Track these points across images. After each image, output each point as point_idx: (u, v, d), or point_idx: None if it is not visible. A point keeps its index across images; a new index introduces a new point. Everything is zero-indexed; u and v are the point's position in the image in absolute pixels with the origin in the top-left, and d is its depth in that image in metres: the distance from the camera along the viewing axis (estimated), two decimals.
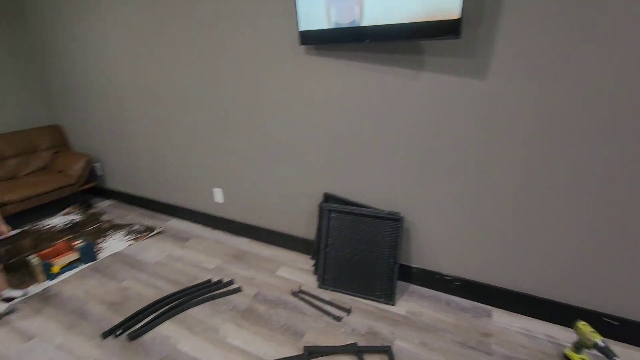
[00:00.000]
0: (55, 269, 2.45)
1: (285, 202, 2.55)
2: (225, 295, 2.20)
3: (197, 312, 2.07)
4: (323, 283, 2.24)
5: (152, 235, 2.98)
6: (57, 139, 3.73)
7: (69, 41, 3.17)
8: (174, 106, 2.79)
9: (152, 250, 2.76)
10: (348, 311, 2.02)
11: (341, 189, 2.28)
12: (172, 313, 2.04)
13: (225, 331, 1.92)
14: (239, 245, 2.78)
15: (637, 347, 1.71)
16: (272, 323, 1.96)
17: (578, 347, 1.61)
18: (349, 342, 1.80)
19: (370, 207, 2.17)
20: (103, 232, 3.08)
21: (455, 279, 2.07)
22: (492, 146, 1.72)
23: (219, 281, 2.33)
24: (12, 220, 3.29)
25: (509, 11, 1.49)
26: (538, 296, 1.87)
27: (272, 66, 2.20)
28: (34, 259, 2.39)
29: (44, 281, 2.40)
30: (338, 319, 1.97)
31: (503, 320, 1.92)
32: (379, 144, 2.02)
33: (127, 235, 3.00)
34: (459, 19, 1.48)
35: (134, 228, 3.12)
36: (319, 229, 2.31)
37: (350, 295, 2.15)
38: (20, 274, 2.49)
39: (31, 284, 2.37)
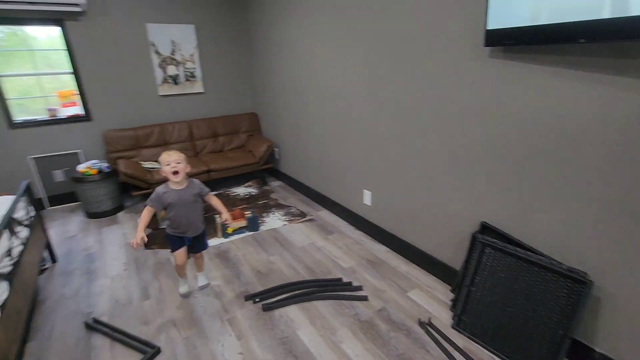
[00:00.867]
0: (230, 230, 3.01)
1: (434, 220, 2.30)
2: (351, 300, 2.17)
3: (322, 306, 2.12)
4: (459, 324, 1.91)
5: (303, 221, 3.27)
6: (253, 124, 4.57)
7: (271, 39, 3.78)
8: (341, 104, 2.93)
9: (300, 234, 3.02)
10: None
11: (504, 222, 1.87)
12: (301, 299, 2.17)
13: (342, 336, 1.89)
14: (377, 252, 2.70)
15: None
16: (389, 347, 1.80)
17: None
18: None
19: (540, 254, 1.69)
20: (268, 208, 3.58)
21: None
22: None
23: (349, 283, 2.33)
24: (213, 184, 4.25)
25: None
26: None
27: (445, 70, 1.98)
28: (217, 218, 3.00)
29: (220, 237, 2.98)
30: None
31: None
32: (574, 179, 1.52)
33: (284, 215, 3.39)
34: None
35: (291, 210, 3.50)
36: (467, 262, 1.98)
37: (491, 352, 1.75)
38: (208, 227, 3.18)
39: (212, 237, 2.99)
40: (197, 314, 2.09)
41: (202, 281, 2.31)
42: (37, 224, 2.43)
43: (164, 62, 3.95)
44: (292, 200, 3.79)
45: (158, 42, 3.84)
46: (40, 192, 3.62)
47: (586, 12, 1.28)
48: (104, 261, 2.70)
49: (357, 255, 2.68)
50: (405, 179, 2.46)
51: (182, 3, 3.87)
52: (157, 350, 1.82)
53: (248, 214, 3.10)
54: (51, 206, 3.71)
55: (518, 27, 1.52)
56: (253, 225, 3.08)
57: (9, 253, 1.78)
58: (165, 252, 2.78)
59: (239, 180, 4.38)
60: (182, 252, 2.08)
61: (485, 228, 1.96)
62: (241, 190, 4.08)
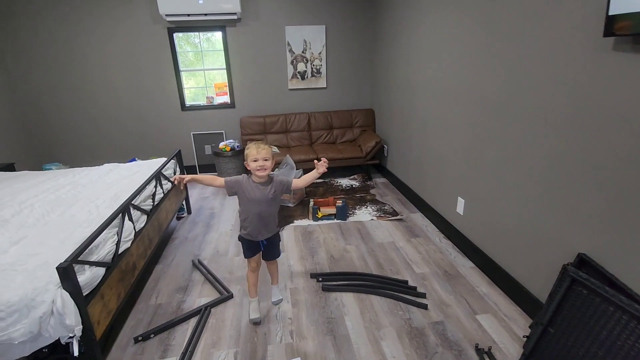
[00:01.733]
0: (319, 214, 3.26)
1: (527, 241, 1.97)
2: (409, 304, 2.09)
3: (377, 302, 2.12)
4: None
5: (391, 219, 3.24)
6: (368, 120, 4.69)
7: (391, 39, 3.79)
8: (443, 102, 2.75)
9: (384, 231, 3.02)
10: None
11: (608, 257, 1.47)
12: (359, 289, 2.22)
13: (386, 334, 1.87)
14: (459, 266, 2.48)
15: None
16: None
17: None
18: None
19: None
20: (363, 202, 3.67)
21: None
22: None
23: (414, 288, 2.23)
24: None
25: None
26: None
27: (552, 67, 1.66)
28: (311, 202, 3.29)
29: (310, 219, 3.26)
30: None
31: None
32: None
33: (376, 211, 3.43)
34: None
35: (384, 207, 3.50)
36: (551, 296, 1.64)
37: None
38: (302, 208, 3.51)
39: (301, 218, 3.29)
40: (268, 278, 2.39)
41: (276, 295, 2.15)
42: None
43: (295, 60, 4.47)
44: (390, 198, 3.77)
45: (292, 42, 4.38)
46: (195, 161, 4.68)
47: None
48: (219, 220, 3.34)
49: (434, 263, 2.52)
50: (500, 188, 2.17)
51: (317, 6, 4.28)
52: (231, 295, 2.20)
53: (339, 203, 3.28)
54: (201, 172, 4.76)
55: None
56: (341, 214, 3.24)
57: (152, 197, 2.46)
58: None
59: (346, 172, 4.60)
60: (257, 258, 1.98)
61: (582, 261, 1.58)
62: (345, 182, 4.29)
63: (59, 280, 1.39)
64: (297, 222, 3.22)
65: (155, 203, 2.49)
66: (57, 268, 1.37)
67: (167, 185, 2.81)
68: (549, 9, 1.67)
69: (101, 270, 1.64)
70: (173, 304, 2.16)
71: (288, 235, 2.98)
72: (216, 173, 4.36)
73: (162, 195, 2.64)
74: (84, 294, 1.49)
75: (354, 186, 4.14)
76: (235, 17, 4.07)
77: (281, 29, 4.31)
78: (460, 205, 2.64)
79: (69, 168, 3.72)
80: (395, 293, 2.17)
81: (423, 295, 2.16)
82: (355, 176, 4.44)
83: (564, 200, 1.68)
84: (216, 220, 3.34)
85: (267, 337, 1.88)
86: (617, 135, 1.39)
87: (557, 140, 1.69)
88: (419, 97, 3.24)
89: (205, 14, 3.98)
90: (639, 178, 1.32)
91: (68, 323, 1.36)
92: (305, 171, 4.20)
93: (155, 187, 2.56)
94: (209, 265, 2.57)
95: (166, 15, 3.90)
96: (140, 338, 1.87)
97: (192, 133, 4.57)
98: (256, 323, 1.97)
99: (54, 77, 4.13)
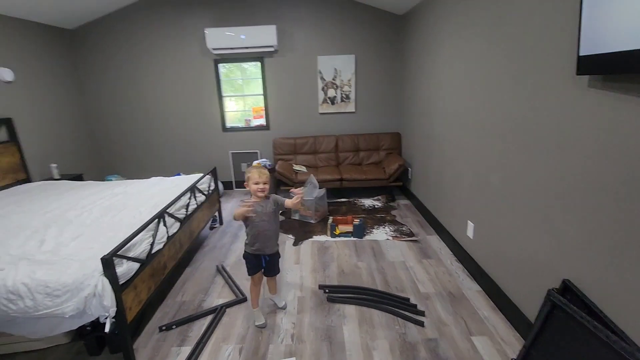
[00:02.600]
0: (337, 231, 3.44)
1: (524, 267, 2.01)
2: (406, 320, 2.19)
3: (377, 315, 2.25)
4: None
5: (407, 240, 3.33)
6: (394, 143, 4.84)
7: (417, 67, 3.98)
8: (455, 128, 2.86)
9: (397, 251, 3.12)
10: None
11: (591, 284, 1.51)
12: (362, 302, 2.36)
13: (379, 345, 1.99)
14: (465, 289, 2.52)
15: None
16: None
17: None
18: None
19: (621, 336, 1.30)
20: (382, 222, 3.80)
21: None
22: None
23: (414, 305, 2.33)
24: (344, 192, 4.78)
25: None
26: None
27: (537, 99, 1.77)
28: (330, 219, 3.49)
29: (327, 235, 3.46)
30: None
31: None
32: None
33: (393, 231, 3.54)
34: None
35: (402, 229, 3.60)
36: (536, 321, 1.68)
37: None
38: (322, 224, 3.72)
39: (321, 234, 3.50)
40: (282, 284, 2.62)
41: (280, 302, 2.37)
42: (214, 195, 3.60)
43: (326, 86, 4.80)
44: (409, 220, 3.85)
45: (324, 70, 4.73)
46: (232, 177, 5.12)
47: None
48: None
49: (441, 285, 2.58)
50: (503, 213, 2.23)
51: (347, 38, 4.61)
52: (245, 299, 2.45)
53: (356, 221, 3.44)
54: (237, 188, 5.18)
55: (620, 52, 1.27)
56: (358, 232, 3.40)
57: (186, 207, 2.83)
58: (284, 236, 3.49)
59: (370, 192, 4.75)
60: (259, 274, 2.19)
61: (567, 288, 1.62)
62: (368, 202, 4.44)
63: (102, 269, 1.74)
64: (316, 238, 3.43)
65: (188, 212, 2.85)
66: (101, 259, 1.72)
67: (200, 198, 3.18)
68: (532, 45, 1.79)
69: (135, 265, 1.98)
70: (195, 302, 2.46)
71: (305, 249, 3.20)
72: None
73: (195, 206, 3.01)
74: (120, 283, 1.82)
75: (376, 206, 4.28)
76: (272, 49, 4.52)
77: (313, 59, 4.68)
78: (470, 229, 2.70)
79: (126, 180, 4.30)
80: (395, 309, 2.28)
81: (422, 313, 2.25)
82: (379, 197, 4.58)
83: (553, 227, 1.74)
84: (243, 231, 3.63)
85: (270, 338, 2.09)
86: (597, 163, 1.47)
87: (544, 167, 1.77)
88: (437, 122, 3.37)
89: (247, 47, 4.47)
90: (615, 208, 1.38)
91: (105, 304, 1.69)
92: (329, 190, 4.45)
93: (190, 198, 2.93)
94: (231, 271, 2.86)
95: (213, 49, 4.44)
96: (164, 328, 2.17)
97: (230, 152, 5.03)
98: (262, 327, 2.18)
99: (118, 104, 4.84)
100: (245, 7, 4.49)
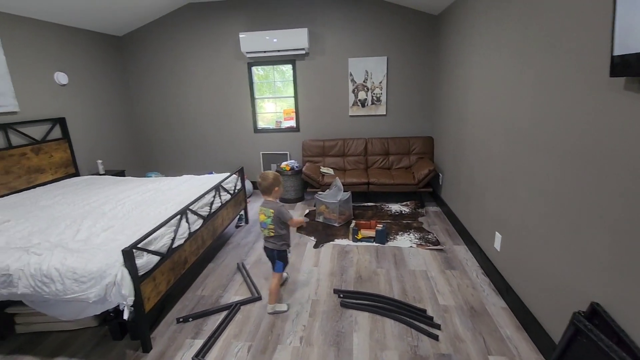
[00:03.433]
0: (359, 235, 3.39)
1: (551, 285, 1.85)
2: (420, 332, 2.10)
3: (389, 325, 2.18)
4: None
5: (431, 249, 3.20)
6: (426, 148, 4.68)
7: (450, 68, 3.82)
8: (485, 134, 2.70)
9: (419, 259, 3.01)
10: None
11: (622, 309, 1.35)
12: (376, 310, 2.31)
13: (388, 356, 1.93)
14: (489, 304, 2.37)
15: None
16: None
17: None
18: None
19: None
20: (408, 228, 3.68)
21: None
22: None
23: (430, 317, 2.23)
24: (371, 196, 4.69)
25: None
26: None
27: (567, 105, 1.62)
28: (353, 223, 3.45)
29: (349, 239, 3.42)
30: None
31: None
32: None
33: (418, 239, 3.42)
34: None
35: (428, 236, 3.47)
36: (558, 345, 1.54)
37: None
38: (345, 228, 3.68)
39: (343, 237, 3.47)
40: (297, 287, 2.63)
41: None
42: (240, 195, 3.70)
43: (357, 89, 4.76)
44: (437, 228, 3.70)
45: (354, 72, 4.69)
46: None
47: None
48: None
49: (462, 298, 2.45)
50: (531, 225, 2.07)
51: (379, 39, 4.54)
52: (259, 297, 2.49)
53: (379, 226, 3.37)
54: None
55: None
56: (380, 237, 3.32)
57: (210, 205, 2.94)
58: (306, 238, 3.50)
59: (399, 197, 4.63)
60: None
61: (595, 312, 1.46)
62: (395, 207, 4.33)
63: (122, 260, 1.85)
64: (337, 241, 3.41)
65: (212, 210, 2.96)
66: (122, 251, 1.84)
67: (225, 197, 3.29)
68: (564, 45, 1.65)
69: (155, 258, 2.08)
70: (213, 297, 2.54)
71: (325, 252, 3.19)
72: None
73: (219, 204, 3.12)
74: (140, 274, 1.93)
75: (403, 212, 4.16)
76: (303, 52, 4.57)
77: (344, 61, 4.66)
78: (498, 241, 2.53)
79: (164, 177, 4.56)
80: (409, 319, 2.20)
81: (438, 327, 2.15)
82: (407, 203, 4.45)
83: (584, 244, 1.58)
84: None
85: (279, 338, 2.10)
86: (636, 179, 1.31)
87: (577, 182, 1.61)
88: (468, 126, 3.21)
89: (279, 51, 4.55)
90: None
91: (123, 293, 1.79)
92: (356, 194, 4.40)
93: (214, 197, 3.04)
94: (250, 269, 2.92)
95: (247, 52, 4.58)
96: (181, 320, 2.27)
97: (261, 152, 5.15)
98: (284, 312, 2.36)
99: (159, 106, 5.15)
100: (277, 11, 4.59)
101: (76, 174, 4.03)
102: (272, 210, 2.25)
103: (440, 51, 4.23)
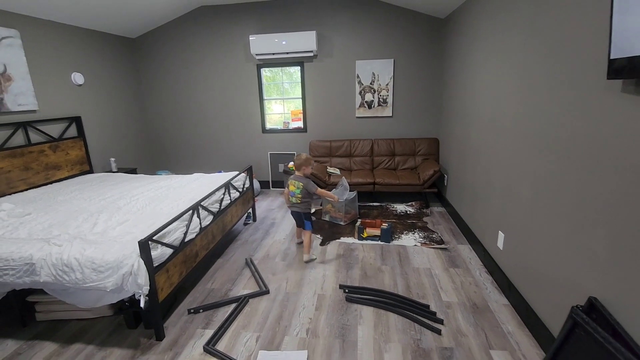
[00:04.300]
0: (365, 234, 3.46)
1: (551, 281, 1.90)
2: (423, 326, 2.16)
3: (393, 319, 2.25)
4: None
5: (435, 248, 3.25)
6: (431, 149, 4.73)
7: (456, 71, 3.87)
8: (490, 135, 2.75)
9: (424, 258, 3.07)
10: None
11: (619, 304, 1.40)
12: (380, 305, 2.37)
13: (391, 348, 1.99)
14: (492, 301, 2.42)
15: None
16: None
17: None
18: None
19: None
20: (413, 228, 3.74)
21: None
22: None
23: (433, 313, 2.29)
24: (377, 195, 4.76)
25: None
26: None
27: (568, 106, 1.67)
28: (359, 222, 3.52)
29: (355, 237, 3.48)
30: None
31: None
32: None
33: (422, 238, 3.47)
34: None
35: (432, 236, 3.52)
36: (557, 338, 1.59)
37: None
38: (351, 226, 3.75)
39: (349, 236, 3.53)
40: (304, 281, 2.70)
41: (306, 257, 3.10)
42: (248, 193, 3.79)
43: (364, 90, 4.83)
44: (441, 228, 3.75)
45: (361, 74, 4.77)
46: (270, 177, 5.34)
47: None
48: (277, 229, 3.80)
49: (465, 295, 2.50)
50: (533, 224, 2.12)
51: (386, 42, 4.61)
52: (267, 291, 2.57)
53: (384, 225, 3.43)
54: (273, 187, 5.38)
55: None
56: (385, 236, 3.39)
57: (220, 202, 3.03)
58: (312, 236, 3.57)
59: (405, 197, 4.68)
60: None
61: (592, 306, 1.52)
62: (400, 207, 4.38)
63: (139, 251, 1.94)
64: (343, 239, 3.48)
65: (222, 207, 3.05)
66: (138, 242, 1.93)
67: (235, 194, 3.38)
68: (564, 48, 1.70)
69: (169, 251, 2.18)
70: (222, 290, 2.63)
71: (331, 250, 3.26)
72: (285, 188, 4.90)
73: (229, 201, 3.21)
74: (154, 265, 2.02)
75: (408, 212, 4.22)
76: (311, 54, 4.66)
77: (352, 63, 4.74)
78: (501, 240, 2.58)
79: (173, 174, 4.68)
80: (412, 314, 2.26)
81: (440, 321, 2.20)
82: (413, 203, 4.50)
83: (583, 241, 1.63)
84: (274, 229, 3.81)
85: (286, 329, 2.18)
86: (633, 179, 1.37)
87: (577, 182, 1.67)
88: (473, 128, 3.26)
89: (287, 53, 4.65)
90: None
91: (139, 282, 1.88)
92: (362, 194, 4.47)
93: (224, 194, 3.13)
94: (258, 265, 3.00)
95: (256, 54, 4.69)
96: (192, 311, 2.36)
97: (269, 152, 5.25)
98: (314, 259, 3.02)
99: (170, 106, 5.28)
100: (286, 14, 4.69)
101: (90, 171, 4.16)
102: (301, 183, 2.95)
103: (446, 54, 4.29)
